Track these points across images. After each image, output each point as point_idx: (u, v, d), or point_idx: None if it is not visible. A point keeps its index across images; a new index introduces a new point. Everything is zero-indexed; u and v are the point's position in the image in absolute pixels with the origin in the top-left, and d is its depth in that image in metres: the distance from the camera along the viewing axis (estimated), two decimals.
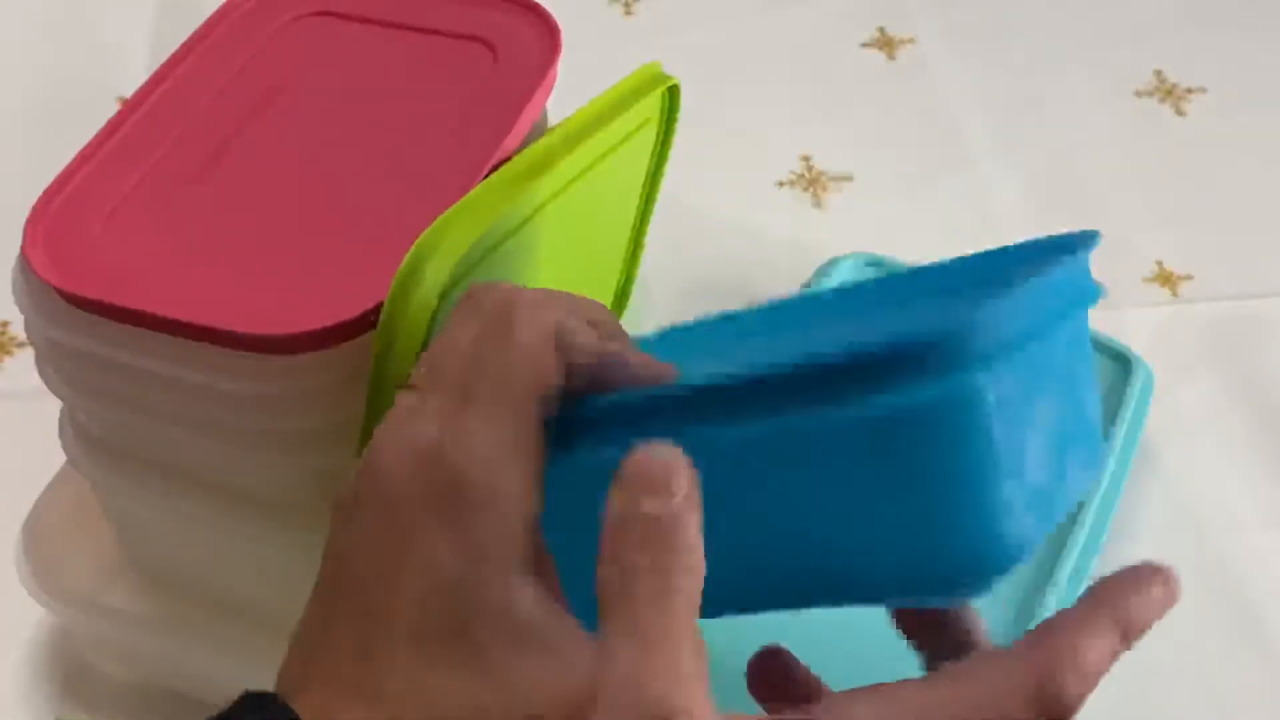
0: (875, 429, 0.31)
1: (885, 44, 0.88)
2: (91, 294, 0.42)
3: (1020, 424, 0.32)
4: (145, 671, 0.56)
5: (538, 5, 0.52)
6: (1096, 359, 0.63)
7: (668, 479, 0.31)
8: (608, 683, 0.29)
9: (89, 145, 0.47)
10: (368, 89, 0.50)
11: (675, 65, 0.52)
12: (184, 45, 0.51)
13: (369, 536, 0.33)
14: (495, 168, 0.45)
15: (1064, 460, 0.34)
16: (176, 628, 0.52)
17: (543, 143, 0.45)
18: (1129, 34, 0.88)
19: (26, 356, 0.67)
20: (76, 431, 0.49)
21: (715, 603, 0.31)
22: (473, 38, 0.51)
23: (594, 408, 0.35)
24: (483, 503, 0.32)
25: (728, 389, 0.33)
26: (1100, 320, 0.66)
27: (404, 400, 0.34)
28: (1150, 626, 0.34)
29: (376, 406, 0.40)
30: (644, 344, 0.38)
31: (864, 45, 0.88)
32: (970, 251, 0.78)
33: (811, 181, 0.79)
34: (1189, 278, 0.74)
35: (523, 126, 0.49)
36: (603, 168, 0.49)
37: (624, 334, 0.38)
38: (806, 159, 0.80)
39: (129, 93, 0.49)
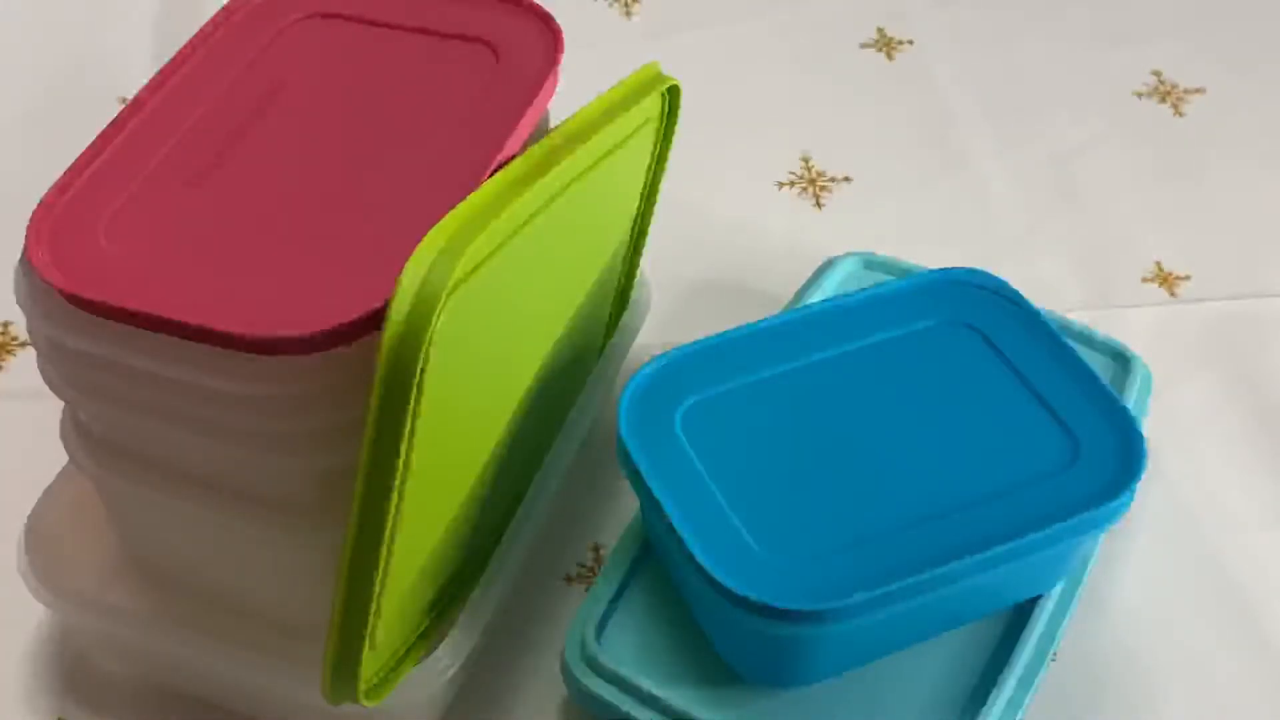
0: None
1: (885, 44, 0.88)
2: (94, 295, 0.42)
3: None
4: (146, 670, 0.56)
5: (539, 7, 0.53)
6: (1096, 358, 0.63)
7: None
8: None
9: (91, 146, 0.47)
10: (370, 91, 0.50)
11: (675, 65, 0.52)
12: (187, 46, 0.51)
13: None
14: (498, 169, 0.46)
15: None
16: (178, 626, 0.52)
17: (544, 143, 0.45)
18: (1128, 34, 0.88)
19: (28, 356, 0.67)
20: (78, 431, 0.49)
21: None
22: (475, 39, 0.51)
23: None
24: None
25: None
26: (1100, 320, 0.67)
27: None
28: None
29: (381, 407, 0.40)
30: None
31: (863, 45, 0.88)
32: (964, 251, 0.78)
33: (811, 181, 0.79)
34: (1187, 278, 0.74)
35: (525, 128, 0.49)
36: (604, 168, 0.49)
37: None
38: (806, 159, 0.80)
39: (131, 93, 0.49)
